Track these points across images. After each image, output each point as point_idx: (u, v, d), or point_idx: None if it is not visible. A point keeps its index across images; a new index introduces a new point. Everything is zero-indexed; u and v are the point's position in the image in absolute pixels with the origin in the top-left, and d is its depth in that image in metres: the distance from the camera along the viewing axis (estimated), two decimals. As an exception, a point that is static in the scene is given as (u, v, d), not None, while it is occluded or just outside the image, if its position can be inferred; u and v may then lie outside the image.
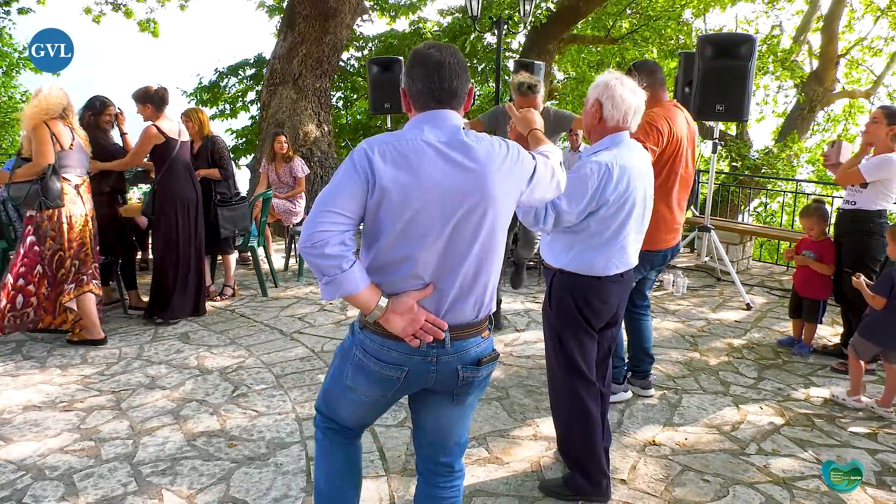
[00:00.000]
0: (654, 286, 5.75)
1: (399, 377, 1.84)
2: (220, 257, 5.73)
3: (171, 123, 4.87)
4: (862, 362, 3.66)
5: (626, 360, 3.68)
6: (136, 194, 6.38)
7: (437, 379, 1.86)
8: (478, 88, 15.43)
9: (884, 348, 3.60)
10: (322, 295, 1.76)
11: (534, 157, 1.91)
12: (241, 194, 5.80)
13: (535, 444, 3.17)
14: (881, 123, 4.08)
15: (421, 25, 14.68)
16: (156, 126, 4.74)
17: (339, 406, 2.02)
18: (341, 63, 12.78)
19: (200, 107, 5.84)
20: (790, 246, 5.09)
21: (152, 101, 4.75)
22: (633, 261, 2.66)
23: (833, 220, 4.73)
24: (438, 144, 1.73)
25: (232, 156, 7.05)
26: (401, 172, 1.68)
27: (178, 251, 4.92)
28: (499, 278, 1.94)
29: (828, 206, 4.66)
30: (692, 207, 7.01)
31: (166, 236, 4.91)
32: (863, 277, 3.73)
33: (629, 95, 2.50)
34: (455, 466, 2.05)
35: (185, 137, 4.96)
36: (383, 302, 1.76)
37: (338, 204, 1.69)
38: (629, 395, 3.65)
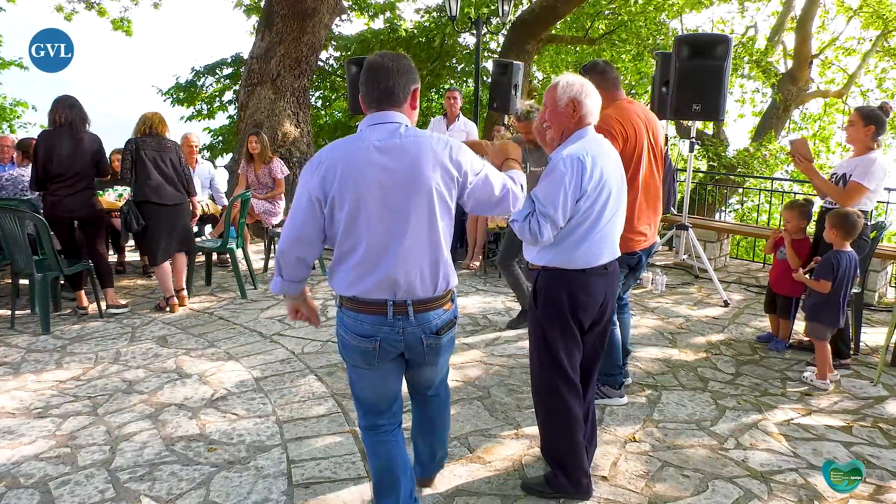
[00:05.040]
0: (634, 284, 5.79)
1: (374, 347, 2.12)
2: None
3: None
4: (829, 346, 3.96)
5: (622, 367, 3.66)
6: (111, 196, 6.29)
7: (406, 346, 2.16)
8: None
9: (831, 327, 3.94)
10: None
11: (483, 165, 2.18)
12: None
13: (516, 443, 3.18)
14: (858, 125, 4.14)
15: (397, 23, 14.62)
16: None
17: (355, 386, 2.31)
18: (320, 63, 12.70)
19: (156, 110, 5.21)
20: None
21: None
22: (616, 251, 2.68)
23: (815, 219, 4.76)
24: (377, 144, 2.01)
25: (181, 157, 6.07)
26: (345, 174, 1.99)
27: None
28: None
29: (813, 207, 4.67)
30: (671, 207, 7.07)
31: None
32: (800, 270, 4.12)
33: (597, 95, 2.63)
34: (440, 393, 2.51)
35: None
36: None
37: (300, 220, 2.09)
38: (625, 400, 3.63)
